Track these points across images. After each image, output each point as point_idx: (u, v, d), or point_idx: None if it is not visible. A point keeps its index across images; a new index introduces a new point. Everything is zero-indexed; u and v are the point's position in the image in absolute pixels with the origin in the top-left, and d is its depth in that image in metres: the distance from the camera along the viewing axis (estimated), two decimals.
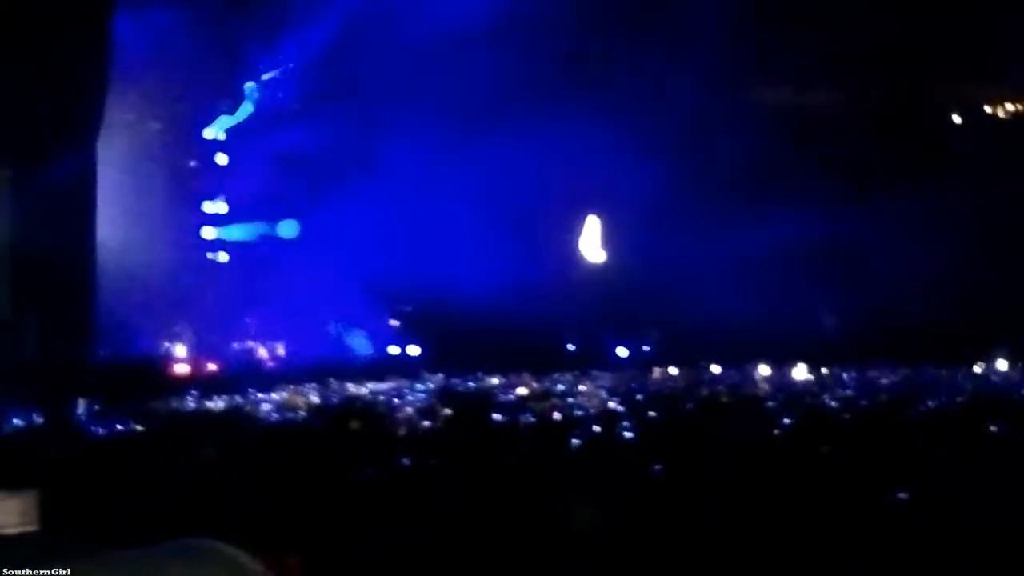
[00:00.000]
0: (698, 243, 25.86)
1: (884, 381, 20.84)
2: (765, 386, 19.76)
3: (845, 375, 21.93)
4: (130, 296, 23.61)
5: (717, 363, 24.09)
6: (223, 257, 27.50)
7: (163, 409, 16.85)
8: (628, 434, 13.09)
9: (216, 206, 27.37)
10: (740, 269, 25.32)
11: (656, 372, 23.46)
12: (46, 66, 20.07)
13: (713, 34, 24.57)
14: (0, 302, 19.86)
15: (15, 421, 14.64)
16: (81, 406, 16.29)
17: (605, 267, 28.33)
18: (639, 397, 17.48)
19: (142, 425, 14.23)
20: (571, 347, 27.49)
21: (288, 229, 27.48)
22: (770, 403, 16.42)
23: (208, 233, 27.34)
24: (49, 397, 16.20)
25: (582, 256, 28.40)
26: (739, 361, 23.82)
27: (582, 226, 28.42)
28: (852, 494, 9.49)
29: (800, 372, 23.04)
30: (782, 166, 26.13)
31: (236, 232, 27.41)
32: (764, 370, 23.10)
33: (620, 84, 25.28)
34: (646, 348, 27.25)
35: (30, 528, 8.22)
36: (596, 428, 13.80)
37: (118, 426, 14.53)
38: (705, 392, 18.95)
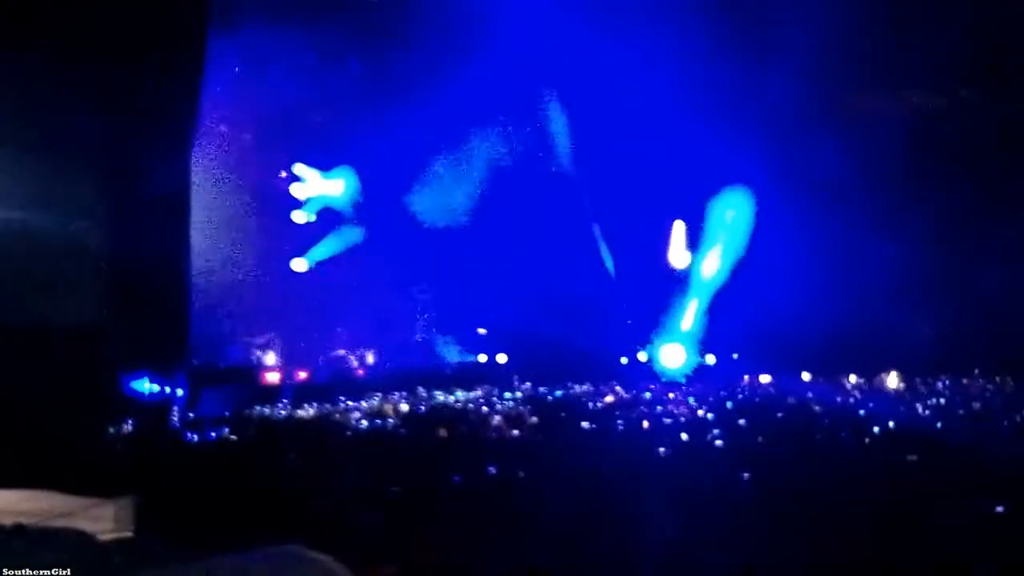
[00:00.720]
0: (788, 250, 25.58)
1: (978, 392, 20.49)
2: (856, 394, 19.51)
3: (940, 384, 21.59)
4: (223, 304, 23.86)
5: (808, 371, 23.84)
6: (312, 266, 27.74)
7: (255, 417, 17.01)
8: (718, 442, 13.01)
9: (305, 216, 27.64)
10: (833, 276, 25.03)
11: (746, 379, 23.25)
12: (139, 77, 20.38)
13: (823, 35, 24.23)
14: (95, 310, 20.18)
15: (110, 428, 14.84)
16: (175, 413, 16.47)
17: (692, 274, 28.14)
18: (728, 405, 17.35)
19: (235, 432, 14.37)
20: (659, 355, 27.33)
21: (377, 238, 27.67)
22: (861, 412, 16.22)
23: (298, 242, 27.62)
24: (144, 405, 16.40)
25: (669, 263, 28.24)
26: (831, 370, 23.56)
27: (670, 232, 28.24)
28: (944, 504, 9.35)
29: (892, 381, 22.72)
30: (887, 175, 25.77)
31: (326, 245, 27.65)
32: (854, 379, 22.80)
33: (716, 85, 24.98)
34: (735, 356, 27.03)
35: (126, 534, 8.37)
36: (684, 436, 13.73)
37: (211, 433, 14.70)
38: (793, 400, 18.76)
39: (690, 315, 27.03)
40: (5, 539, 6.95)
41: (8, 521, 7.91)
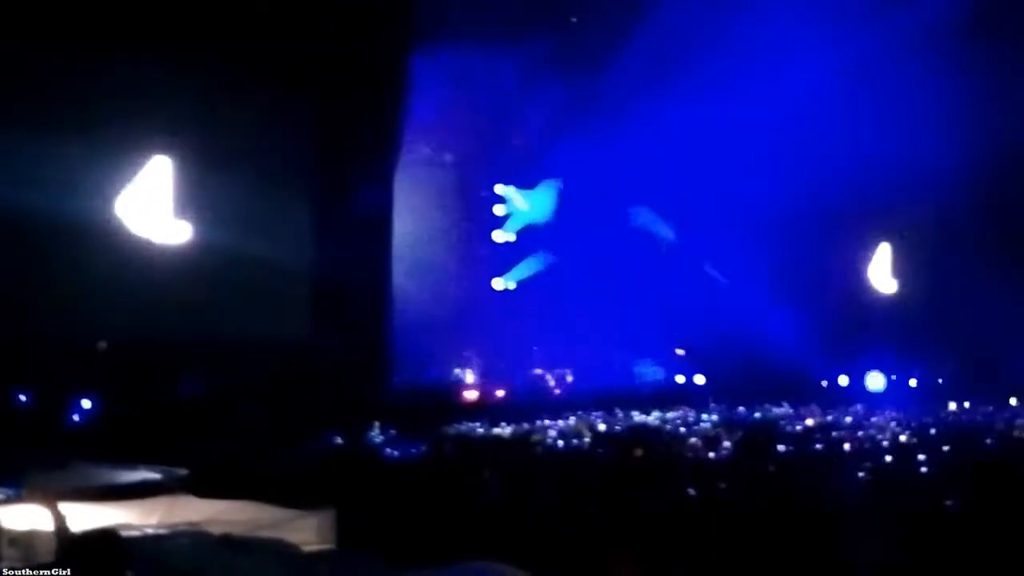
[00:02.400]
0: (999, 271, 24.85)
1: None
2: None
3: None
4: (423, 323, 24.30)
5: (1016, 397, 23.11)
6: (511, 285, 28.06)
7: (453, 434, 17.23)
8: (922, 468, 12.71)
9: (505, 235, 27.98)
10: None
11: (951, 405, 22.63)
12: (347, 100, 20.96)
13: None
14: (302, 327, 20.79)
15: (315, 443, 15.22)
16: (377, 429, 16.81)
17: (897, 297, 27.55)
18: (932, 431, 16.91)
19: (434, 449, 14.58)
20: (861, 378, 26.85)
21: (576, 257, 27.86)
22: None
23: (497, 262, 27.98)
24: (347, 420, 16.80)
25: (872, 286, 27.70)
26: None
27: (872, 255, 27.70)
28: None
29: None
30: None
31: (526, 264, 27.95)
32: None
33: (911, 104, 24.45)
34: (940, 380, 26.36)
35: (328, 546, 8.62)
36: (888, 459, 13.46)
37: (411, 450, 14.94)
38: (1001, 427, 18.17)
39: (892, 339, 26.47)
40: (213, 548, 7.22)
41: (217, 530, 8.23)
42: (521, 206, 27.98)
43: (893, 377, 27.01)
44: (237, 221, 19.50)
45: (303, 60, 19.82)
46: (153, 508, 9.71)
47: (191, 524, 8.58)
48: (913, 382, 26.65)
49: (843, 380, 26.81)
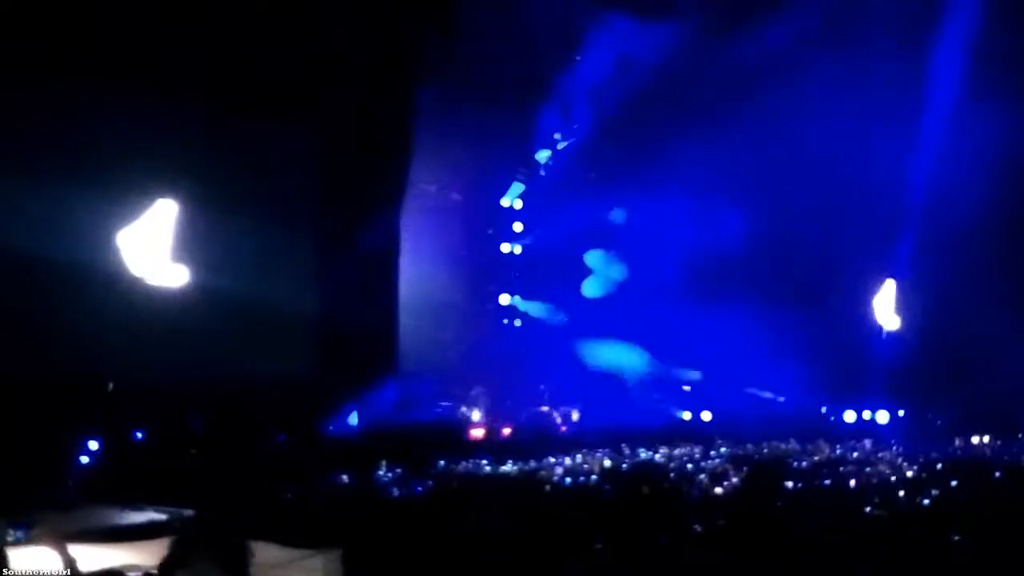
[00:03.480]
0: (1006, 306, 24.86)
1: None
2: None
3: None
4: (429, 362, 24.32)
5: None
6: (518, 323, 28.11)
7: (459, 472, 17.23)
8: (924, 501, 12.72)
9: (513, 274, 28.09)
10: None
11: (958, 441, 22.62)
12: (351, 140, 21.07)
13: None
14: (308, 366, 20.81)
15: (322, 481, 15.24)
16: (384, 468, 16.82)
17: (901, 333, 27.50)
18: (939, 466, 16.91)
19: (439, 487, 14.60)
20: (867, 414, 26.79)
21: (581, 294, 27.94)
22: None
23: (504, 299, 28.04)
24: (353, 459, 16.81)
25: (876, 322, 27.66)
26: None
27: (876, 291, 27.66)
28: None
29: None
30: None
31: (532, 305, 28.03)
32: None
33: (917, 139, 24.51)
34: (946, 416, 26.31)
35: None
36: (901, 494, 13.47)
37: (418, 488, 14.95)
38: (1007, 460, 18.18)
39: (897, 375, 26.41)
40: None
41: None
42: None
43: (900, 413, 26.97)
44: (243, 261, 19.56)
45: (308, 100, 19.94)
46: (160, 549, 9.72)
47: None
48: (921, 418, 26.59)
49: (849, 416, 26.75)
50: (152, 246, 18.64)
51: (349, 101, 20.35)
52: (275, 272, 20.07)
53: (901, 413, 26.81)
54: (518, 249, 28.12)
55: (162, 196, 18.58)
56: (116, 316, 18.09)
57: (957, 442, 22.49)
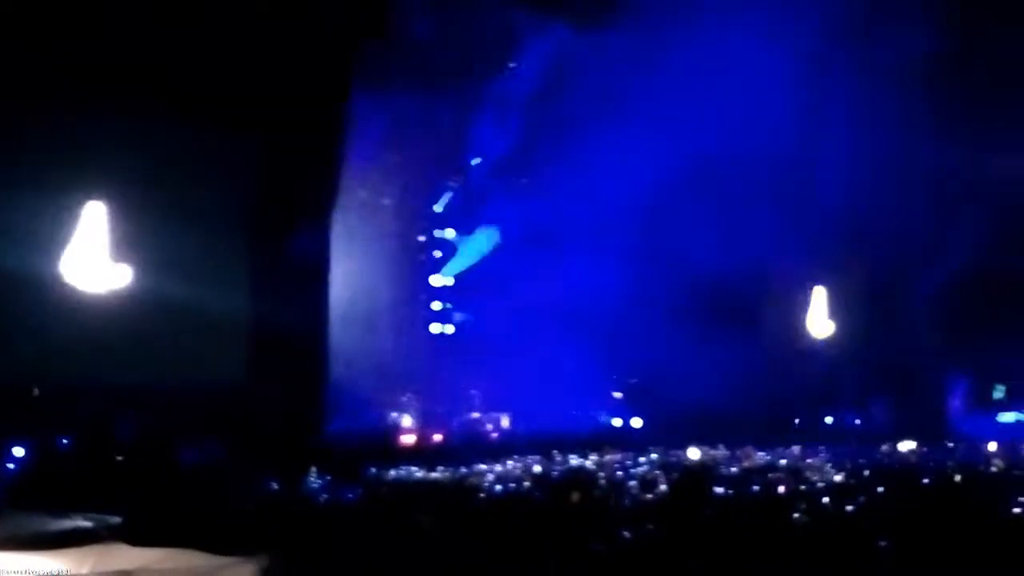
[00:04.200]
0: (930, 316, 25.23)
1: None
2: (999, 462, 19.02)
3: None
4: (360, 368, 24.22)
5: (949, 439, 23.45)
6: (449, 329, 28.07)
7: (390, 479, 17.17)
8: (848, 507, 12.84)
9: (443, 279, 28.01)
10: (980, 345, 24.72)
11: (885, 446, 22.87)
12: (285, 145, 20.94)
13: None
14: (238, 372, 20.65)
15: (251, 489, 15.12)
16: (314, 475, 16.72)
17: (832, 340, 27.77)
18: (866, 472, 17.07)
19: (369, 494, 14.53)
20: (796, 421, 27.05)
21: (512, 301, 27.93)
22: (1004, 480, 15.81)
23: (435, 306, 27.99)
24: (282, 465, 16.71)
25: (807, 330, 27.91)
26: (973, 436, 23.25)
27: (807, 300, 27.92)
28: None
29: None
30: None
31: (463, 312, 28.00)
32: (992, 446, 22.26)
33: (844, 150, 24.80)
34: (873, 420, 26.64)
35: None
36: (825, 500, 13.57)
37: (348, 495, 14.87)
38: (932, 465, 18.41)
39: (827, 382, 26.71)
40: None
41: None
42: (460, 249, 28.02)
43: (829, 420, 27.25)
44: (174, 266, 19.37)
45: (241, 105, 19.78)
46: (85, 556, 9.61)
47: (124, 572, 8.51)
48: (850, 423, 26.90)
49: (782, 422, 26.98)
50: (81, 250, 18.43)
51: (282, 106, 20.23)
52: (206, 277, 19.88)
53: (829, 420, 27.10)
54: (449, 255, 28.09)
55: (92, 199, 18.37)
56: (43, 320, 17.88)
57: (884, 448, 22.72)
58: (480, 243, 28.02)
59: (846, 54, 24.24)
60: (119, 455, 17.56)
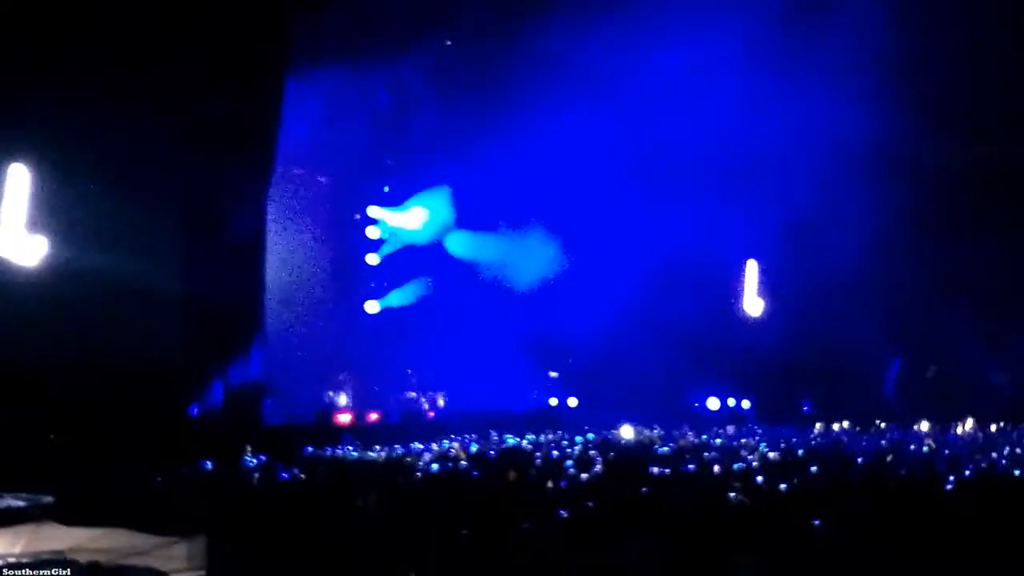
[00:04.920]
0: (863, 295, 25.45)
1: None
2: (931, 443, 19.26)
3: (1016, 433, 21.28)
4: (297, 346, 24.12)
5: (883, 419, 23.70)
6: (385, 308, 27.99)
7: (326, 458, 17.11)
8: (782, 485, 12.94)
9: (379, 258, 27.91)
10: (916, 323, 25.01)
11: (818, 426, 23.12)
12: (217, 120, 20.71)
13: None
14: (171, 350, 20.43)
15: (185, 469, 15.00)
16: (249, 454, 16.60)
17: (764, 319, 27.98)
18: (800, 452, 17.22)
19: (306, 473, 14.46)
20: (731, 401, 27.25)
21: (450, 281, 27.91)
22: (936, 461, 16.00)
23: (371, 284, 27.89)
24: (218, 445, 16.58)
25: (741, 308, 28.09)
26: (907, 418, 23.54)
27: (741, 278, 28.09)
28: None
29: (967, 428, 22.46)
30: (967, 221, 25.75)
31: (397, 295, 27.93)
32: (925, 425, 22.60)
33: (786, 128, 24.94)
34: (808, 402, 26.88)
35: (198, 573, 8.53)
36: (759, 479, 13.66)
37: (284, 474, 14.79)
38: (865, 445, 18.63)
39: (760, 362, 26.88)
40: None
41: (84, 559, 8.08)
42: (396, 225, 27.91)
43: (751, 400, 27.46)
44: (101, 237, 19.01)
45: (175, 75, 19.53)
46: (17, 536, 9.52)
47: (57, 552, 8.41)
48: (784, 405, 27.09)
49: (713, 402, 27.18)
50: (6, 218, 18.06)
51: (216, 78, 20.00)
52: (140, 254, 19.59)
53: (753, 401, 27.30)
54: (386, 234, 27.99)
55: (14, 162, 18.00)
56: None
57: (817, 428, 22.96)
58: (417, 222, 27.94)
59: (784, 39, 24.33)
60: (51, 434, 17.35)
